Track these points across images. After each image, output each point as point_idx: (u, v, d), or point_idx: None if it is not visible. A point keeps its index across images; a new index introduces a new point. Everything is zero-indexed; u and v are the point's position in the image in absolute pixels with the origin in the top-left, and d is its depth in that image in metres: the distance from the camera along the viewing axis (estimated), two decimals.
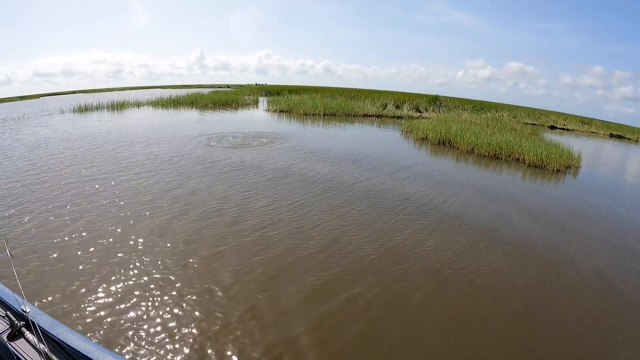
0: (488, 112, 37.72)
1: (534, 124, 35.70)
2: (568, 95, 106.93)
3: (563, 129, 34.92)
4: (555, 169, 13.94)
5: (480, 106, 41.20)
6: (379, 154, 13.82)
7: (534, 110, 42.29)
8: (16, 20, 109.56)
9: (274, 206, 7.59)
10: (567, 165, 14.51)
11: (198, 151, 12.50)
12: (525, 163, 14.41)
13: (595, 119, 40.17)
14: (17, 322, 1.68)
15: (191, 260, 5.27)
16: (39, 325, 1.63)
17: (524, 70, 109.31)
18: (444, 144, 16.78)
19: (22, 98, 46.10)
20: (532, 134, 22.74)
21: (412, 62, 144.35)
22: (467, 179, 11.39)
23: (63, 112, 24.23)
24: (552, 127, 35.37)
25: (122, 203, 7.32)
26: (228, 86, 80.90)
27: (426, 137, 17.54)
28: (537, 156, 14.43)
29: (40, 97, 47.64)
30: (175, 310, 4.18)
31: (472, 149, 15.57)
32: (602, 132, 34.09)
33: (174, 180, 9.07)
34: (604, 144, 28.89)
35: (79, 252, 5.32)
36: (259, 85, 77.11)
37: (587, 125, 36.23)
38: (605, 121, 40.66)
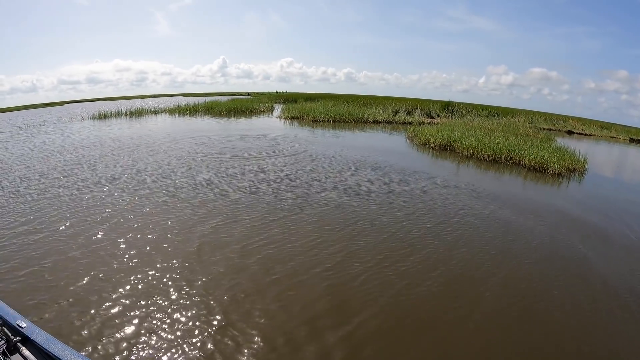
0: (504, 118, 37.30)
1: (551, 129, 34.96)
2: (592, 100, 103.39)
3: (581, 134, 34.07)
4: (556, 173, 13.90)
5: (496, 112, 40.74)
6: (369, 162, 13.50)
7: (551, 115, 41.45)
8: (42, 29, 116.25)
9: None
10: (569, 169, 14.45)
11: (195, 162, 13.27)
12: (525, 167, 14.44)
13: (616, 124, 38.93)
14: (12, 337, 1.64)
15: (197, 278, 5.18)
16: (34, 341, 1.61)
17: (547, 76, 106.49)
18: (445, 148, 17.00)
19: (47, 105, 49.13)
20: (545, 139, 22.52)
21: (434, 69, 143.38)
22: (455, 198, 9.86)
23: (83, 119, 25.71)
24: (570, 132, 34.56)
25: (129, 216, 7.22)
26: (249, 94, 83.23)
27: (428, 142, 17.80)
28: (537, 159, 14.44)
29: (65, 104, 50.55)
30: (176, 327, 4.13)
31: (472, 153, 15.73)
32: (621, 137, 33.00)
33: (181, 190, 9.09)
34: (619, 148, 28.12)
35: (80, 269, 5.25)
36: (279, 93, 78.98)
37: (606, 130, 35.17)
38: (626, 126, 39.27)
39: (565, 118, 39.67)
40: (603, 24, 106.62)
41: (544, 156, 14.61)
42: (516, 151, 15.34)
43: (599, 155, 23.19)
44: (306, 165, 12.59)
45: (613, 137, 33.26)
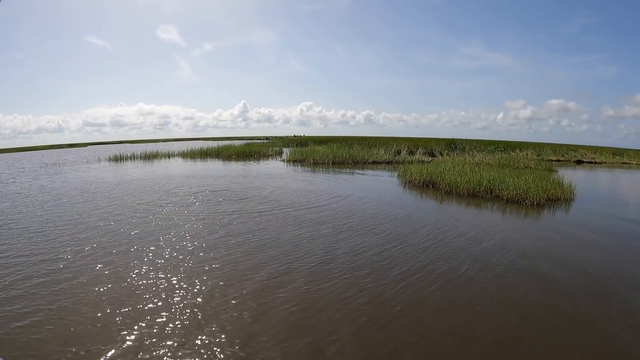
0: (512, 152, 37.29)
1: (559, 160, 34.52)
2: (612, 128, 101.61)
3: (591, 162, 33.36)
4: (535, 203, 13.90)
5: (503, 146, 40.81)
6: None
7: (560, 145, 40.92)
8: (69, 72, 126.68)
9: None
10: (552, 198, 14.43)
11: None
12: (504, 199, 14.55)
13: (629, 149, 37.88)
14: None
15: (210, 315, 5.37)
16: None
17: (566, 107, 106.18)
18: (427, 185, 17.38)
19: (71, 146, 53.32)
20: (543, 170, 22.64)
21: (452, 108, 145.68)
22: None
23: (100, 161, 28.22)
24: (579, 162, 33.92)
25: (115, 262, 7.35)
26: (267, 138, 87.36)
27: (412, 180, 18.27)
28: (515, 190, 14.56)
29: (88, 146, 54.57)
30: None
31: (451, 189, 16.02)
32: (634, 162, 32.02)
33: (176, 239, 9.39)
34: (621, 173, 27.45)
35: (69, 313, 5.35)
36: (296, 136, 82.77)
37: (618, 157, 34.28)
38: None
39: (575, 147, 39.08)
40: (617, 49, 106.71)
41: (522, 187, 14.72)
42: (496, 183, 15.53)
43: (591, 181, 23.24)
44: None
45: (626, 163, 32.33)
